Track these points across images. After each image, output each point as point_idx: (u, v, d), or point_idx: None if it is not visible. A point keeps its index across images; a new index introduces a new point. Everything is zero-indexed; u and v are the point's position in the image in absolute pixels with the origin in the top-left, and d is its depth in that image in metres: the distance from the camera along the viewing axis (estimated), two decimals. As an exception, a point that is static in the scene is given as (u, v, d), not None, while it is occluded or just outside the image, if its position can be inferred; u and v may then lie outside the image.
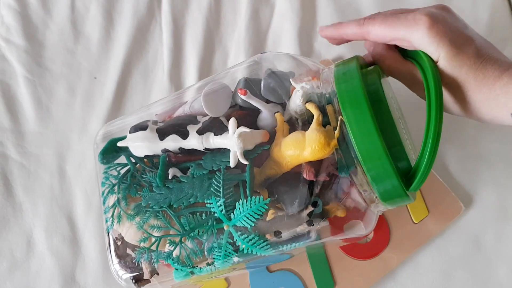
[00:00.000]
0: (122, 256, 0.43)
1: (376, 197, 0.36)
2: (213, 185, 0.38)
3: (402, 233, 0.51)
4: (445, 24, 0.36)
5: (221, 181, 0.37)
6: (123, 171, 0.44)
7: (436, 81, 0.35)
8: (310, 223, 0.38)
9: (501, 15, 0.62)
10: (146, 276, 0.42)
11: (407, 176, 0.35)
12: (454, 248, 0.52)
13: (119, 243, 0.43)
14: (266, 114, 0.39)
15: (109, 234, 0.43)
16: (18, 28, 0.65)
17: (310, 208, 0.38)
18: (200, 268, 0.40)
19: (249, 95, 0.38)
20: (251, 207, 0.36)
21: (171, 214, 0.39)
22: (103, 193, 0.43)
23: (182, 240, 0.38)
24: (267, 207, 0.36)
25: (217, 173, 0.38)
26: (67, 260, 0.54)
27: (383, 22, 0.38)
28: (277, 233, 0.38)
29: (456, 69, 0.35)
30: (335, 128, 0.35)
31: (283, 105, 0.40)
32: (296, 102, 0.37)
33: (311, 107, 0.36)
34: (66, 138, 0.60)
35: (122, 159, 0.45)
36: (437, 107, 0.34)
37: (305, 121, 0.38)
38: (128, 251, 0.43)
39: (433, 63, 0.36)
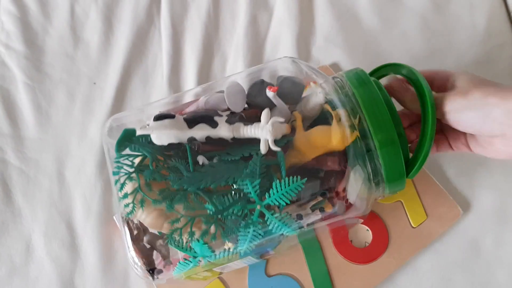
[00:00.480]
0: (138, 243, 0.44)
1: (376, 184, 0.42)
2: (249, 167, 0.41)
3: (401, 237, 0.52)
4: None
5: (258, 163, 0.40)
6: (134, 160, 0.45)
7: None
8: (322, 209, 0.43)
9: (499, 20, 0.63)
10: (159, 265, 0.44)
11: (406, 164, 0.42)
12: (453, 253, 0.52)
13: (135, 232, 0.44)
14: (283, 112, 0.43)
15: (128, 220, 0.44)
16: (18, 34, 0.66)
17: (319, 198, 0.43)
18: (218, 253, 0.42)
19: (275, 95, 0.42)
20: (289, 185, 0.39)
21: (203, 196, 0.40)
22: (116, 181, 0.43)
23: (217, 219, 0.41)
24: (303, 186, 0.39)
25: (254, 157, 0.41)
26: (66, 266, 0.54)
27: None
28: (299, 216, 0.42)
29: None
30: (351, 126, 0.41)
31: (292, 107, 0.45)
32: (317, 101, 0.43)
33: (328, 107, 0.42)
34: (66, 144, 0.60)
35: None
36: (432, 107, 0.41)
37: (316, 119, 0.44)
38: (145, 239, 0.44)
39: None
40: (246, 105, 0.45)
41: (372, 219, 0.52)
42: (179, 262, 0.43)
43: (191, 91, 0.49)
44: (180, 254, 0.44)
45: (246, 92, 0.45)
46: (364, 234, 0.52)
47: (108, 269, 0.53)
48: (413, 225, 0.52)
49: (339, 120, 0.41)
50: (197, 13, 0.67)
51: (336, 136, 0.41)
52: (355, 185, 0.42)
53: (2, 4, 0.69)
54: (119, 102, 0.62)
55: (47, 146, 0.60)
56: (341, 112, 0.41)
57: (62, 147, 0.60)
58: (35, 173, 0.59)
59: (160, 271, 0.44)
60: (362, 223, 0.52)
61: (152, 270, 0.44)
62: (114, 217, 0.55)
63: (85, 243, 0.55)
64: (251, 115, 0.44)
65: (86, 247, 0.55)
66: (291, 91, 0.44)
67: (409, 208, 0.53)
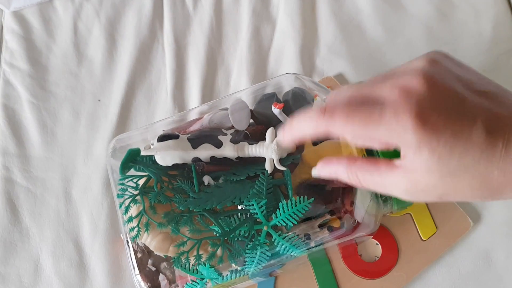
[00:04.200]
0: (144, 267, 0.44)
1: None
2: (255, 187, 0.40)
3: (411, 250, 0.51)
4: (440, 113, 0.25)
5: (264, 183, 0.40)
6: (139, 181, 0.44)
7: None
8: (330, 228, 0.43)
9: (505, 27, 0.62)
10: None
11: None
12: (464, 265, 0.51)
13: (139, 255, 0.44)
14: None
15: (132, 244, 0.44)
16: (22, 53, 0.66)
17: (327, 216, 0.42)
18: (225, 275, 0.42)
19: (281, 112, 0.42)
20: (296, 206, 0.39)
21: (210, 217, 0.40)
22: (121, 204, 0.43)
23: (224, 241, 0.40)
24: (310, 206, 0.39)
25: (260, 177, 0.41)
26: (75, 285, 0.54)
27: (348, 118, 0.27)
28: (307, 236, 0.42)
29: (471, 167, 0.25)
30: None
31: None
32: None
33: None
34: (72, 162, 0.60)
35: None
36: None
37: None
38: (149, 262, 0.44)
39: None
40: (251, 120, 0.45)
41: (381, 232, 0.52)
42: (186, 284, 0.42)
43: (195, 110, 0.49)
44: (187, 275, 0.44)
45: (252, 107, 0.45)
46: (374, 248, 0.52)
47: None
48: (423, 238, 0.51)
49: None
50: (200, 27, 0.66)
51: (345, 151, 0.41)
52: (363, 202, 0.42)
53: (6, 23, 0.69)
54: (123, 119, 0.62)
55: (53, 164, 0.60)
56: None
57: (68, 166, 0.60)
58: (42, 192, 0.59)
59: None
60: (371, 237, 0.52)
61: None
62: (121, 235, 0.55)
63: (93, 262, 0.55)
64: (256, 132, 0.44)
65: (94, 265, 0.55)
66: (302, 103, 0.44)
67: (419, 221, 0.52)
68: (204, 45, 0.65)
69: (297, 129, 0.30)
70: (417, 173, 0.26)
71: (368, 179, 0.29)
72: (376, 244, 0.52)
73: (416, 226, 0.52)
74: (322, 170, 0.32)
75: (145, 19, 0.68)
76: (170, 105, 0.62)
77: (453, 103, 0.25)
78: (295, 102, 0.44)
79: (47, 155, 0.61)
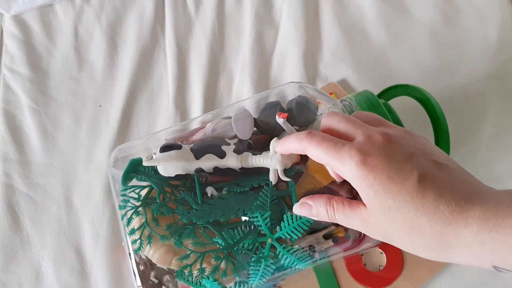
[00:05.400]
0: (146, 281, 0.43)
1: None
2: (259, 199, 0.40)
3: (416, 259, 0.50)
4: (382, 158, 0.30)
5: (268, 195, 0.40)
6: (141, 192, 0.44)
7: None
8: (334, 239, 0.42)
9: (511, 32, 0.61)
10: None
11: None
12: (470, 274, 0.50)
13: (142, 267, 0.43)
14: None
15: (135, 256, 0.43)
16: (22, 57, 0.65)
17: (332, 227, 0.42)
18: None
19: (285, 121, 0.41)
20: (301, 218, 0.39)
21: (213, 230, 0.40)
22: (123, 216, 0.43)
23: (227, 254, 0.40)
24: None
25: (264, 188, 0.40)
26: (76, 293, 0.54)
27: (318, 144, 0.33)
28: (312, 248, 0.42)
29: (402, 208, 0.30)
30: None
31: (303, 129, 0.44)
32: None
33: None
34: (73, 168, 0.60)
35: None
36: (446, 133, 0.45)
37: None
38: (152, 274, 0.44)
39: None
40: (255, 129, 0.44)
41: (386, 241, 0.51)
42: None
43: (197, 119, 0.49)
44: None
45: (256, 116, 0.45)
46: (378, 258, 0.51)
47: (118, 296, 0.53)
48: (428, 246, 0.51)
49: None
50: (202, 32, 0.66)
51: None
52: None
53: (6, 27, 0.68)
54: (125, 124, 0.62)
55: (54, 171, 0.60)
56: None
57: (69, 172, 0.60)
58: (43, 199, 0.58)
59: None
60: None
61: None
62: (123, 243, 0.55)
63: (94, 270, 0.55)
64: (260, 141, 0.44)
65: (95, 273, 0.54)
66: (305, 112, 0.44)
67: (424, 229, 0.51)
68: (206, 49, 0.65)
69: (287, 146, 0.37)
70: (365, 210, 0.32)
71: (340, 218, 0.34)
72: (381, 253, 0.51)
73: (421, 235, 0.51)
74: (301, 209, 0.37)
75: (146, 23, 0.67)
76: (172, 110, 0.62)
77: (398, 156, 0.31)
78: (299, 111, 0.43)
79: (48, 161, 0.60)
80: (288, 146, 0.37)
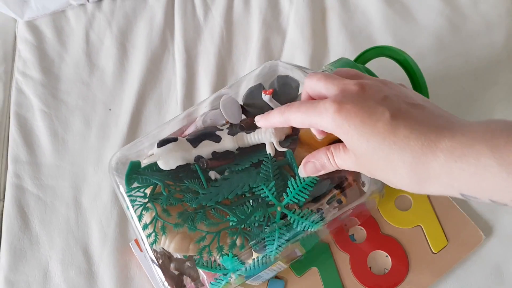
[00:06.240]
0: (167, 273, 0.44)
1: None
2: (262, 172, 0.41)
3: (421, 263, 0.50)
4: (355, 104, 0.32)
5: (270, 165, 0.41)
6: (146, 190, 0.44)
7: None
8: (339, 201, 0.43)
9: (517, 38, 0.62)
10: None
11: None
12: (475, 279, 0.50)
13: (160, 261, 0.44)
14: None
15: (153, 250, 0.44)
16: (34, 62, 0.67)
17: (334, 191, 0.43)
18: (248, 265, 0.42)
19: (270, 98, 0.43)
20: (304, 180, 0.40)
21: (223, 209, 0.41)
22: (138, 216, 0.43)
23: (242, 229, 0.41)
24: (318, 179, 0.41)
25: (264, 161, 0.42)
26: (83, 293, 0.54)
27: (298, 109, 0.35)
28: (319, 210, 0.42)
29: (376, 149, 0.31)
30: None
31: None
32: None
33: None
34: (82, 170, 0.61)
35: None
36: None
37: None
38: (171, 266, 0.45)
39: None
40: (243, 115, 0.46)
41: (391, 244, 0.51)
42: (211, 283, 0.43)
43: (180, 115, 0.49)
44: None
45: (242, 102, 0.46)
46: (384, 261, 0.51)
47: (125, 297, 0.53)
48: (433, 250, 0.51)
49: None
50: (210, 38, 0.67)
51: None
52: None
53: (19, 32, 0.70)
54: (134, 128, 0.63)
55: (64, 172, 0.61)
56: None
57: (78, 174, 0.61)
58: (52, 200, 0.59)
59: None
60: (381, 249, 0.51)
61: None
62: (130, 244, 0.55)
63: (101, 270, 0.55)
64: (250, 125, 0.45)
65: (102, 274, 0.55)
66: (287, 89, 0.45)
67: (429, 233, 0.51)
68: (214, 55, 0.66)
69: (271, 119, 0.38)
70: (350, 152, 0.34)
71: (339, 162, 0.36)
72: (386, 256, 0.51)
73: (426, 239, 0.51)
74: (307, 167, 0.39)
75: (156, 29, 0.68)
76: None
77: (370, 101, 0.32)
78: (281, 88, 0.45)
79: (57, 163, 0.61)
80: (272, 119, 0.38)
